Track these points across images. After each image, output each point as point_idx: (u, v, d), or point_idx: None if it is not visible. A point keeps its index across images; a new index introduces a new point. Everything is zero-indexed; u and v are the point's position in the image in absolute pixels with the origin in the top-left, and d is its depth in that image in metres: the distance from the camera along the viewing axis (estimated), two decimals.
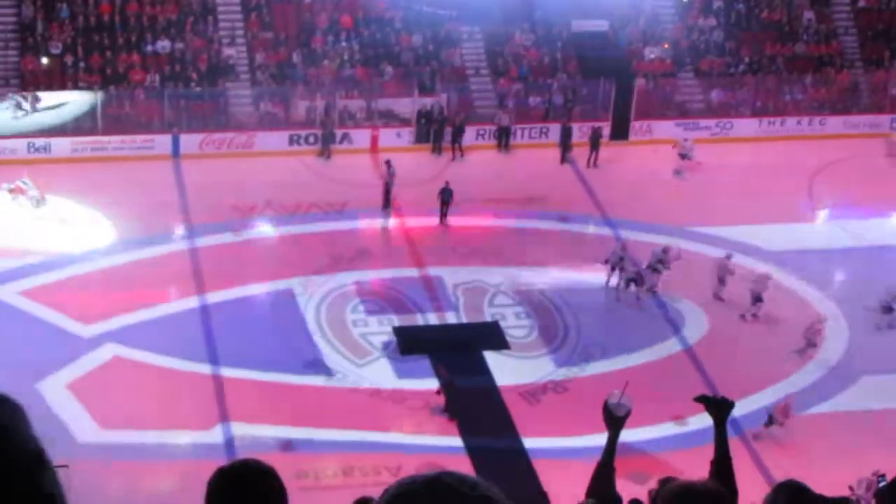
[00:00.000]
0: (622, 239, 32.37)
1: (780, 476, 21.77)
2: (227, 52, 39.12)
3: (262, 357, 27.67)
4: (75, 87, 37.36)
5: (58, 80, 37.57)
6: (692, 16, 42.90)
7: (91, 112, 36.99)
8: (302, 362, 27.80)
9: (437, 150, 38.24)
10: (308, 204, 34.39)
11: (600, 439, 5.85)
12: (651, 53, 41.87)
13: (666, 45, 42.20)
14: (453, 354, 28.31)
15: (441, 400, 26.39)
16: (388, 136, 38.28)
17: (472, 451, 25.34)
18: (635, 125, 39.99)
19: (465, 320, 30.02)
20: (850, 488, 22.08)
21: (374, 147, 37.79)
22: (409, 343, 28.72)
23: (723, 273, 30.66)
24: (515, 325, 29.85)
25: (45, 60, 37.87)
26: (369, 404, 26.67)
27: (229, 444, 24.91)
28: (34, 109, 36.56)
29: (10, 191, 33.02)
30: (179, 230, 32.88)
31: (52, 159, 35.56)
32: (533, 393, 27.41)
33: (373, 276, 31.50)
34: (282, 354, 27.93)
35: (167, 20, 38.99)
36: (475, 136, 38.70)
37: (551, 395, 27.44)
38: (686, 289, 30.85)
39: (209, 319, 29.07)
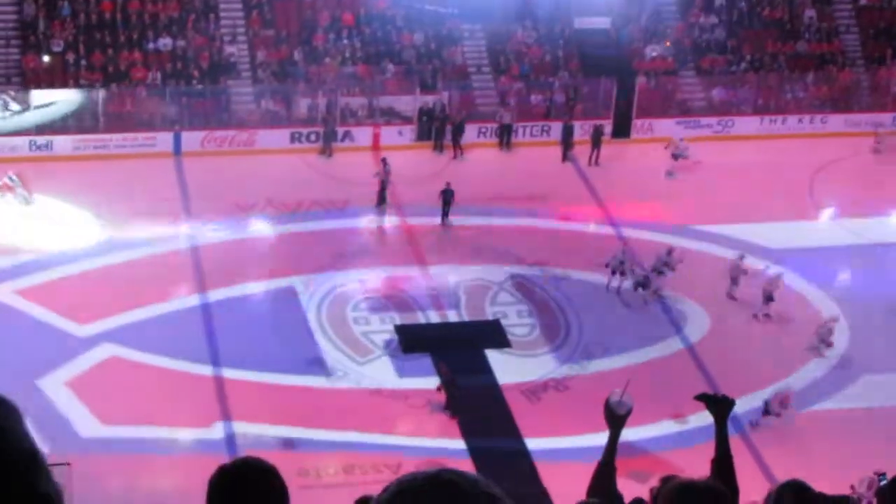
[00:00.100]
0: (624, 242, 32.23)
1: (781, 474, 21.81)
2: (229, 49, 39.12)
3: (263, 356, 27.67)
4: (77, 84, 37.36)
5: (59, 78, 37.57)
6: (694, 14, 42.88)
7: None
8: (303, 361, 27.81)
9: (438, 148, 38.25)
10: (309, 202, 34.40)
11: (601, 438, 5.85)
12: (653, 51, 41.85)
13: (668, 43, 42.19)
14: (455, 352, 28.30)
15: (442, 397, 26.40)
16: (389, 134, 38.28)
17: (473, 449, 25.35)
18: (637, 123, 40.00)
19: (466, 318, 30.03)
20: (852, 487, 22.08)
21: (375, 145, 37.78)
22: (411, 341, 28.73)
23: (736, 273, 30.65)
24: (517, 323, 29.85)
25: (46, 58, 37.86)
26: (370, 403, 26.68)
27: (230, 442, 24.91)
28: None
29: None
30: (180, 228, 32.87)
31: (54, 157, 35.58)
32: (534, 391, 27.42)
33: (374, 274, 31.50)
34: (283, 353, 27.93)
35: (169, 18, 38.99)
36: (477, 133, 38.71)
37: (552, 393, 27.45)
38: (687, 287, 30.84)
39: (210, 318, 29.07)
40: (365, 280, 31.18)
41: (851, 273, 33.36)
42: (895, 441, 24.96)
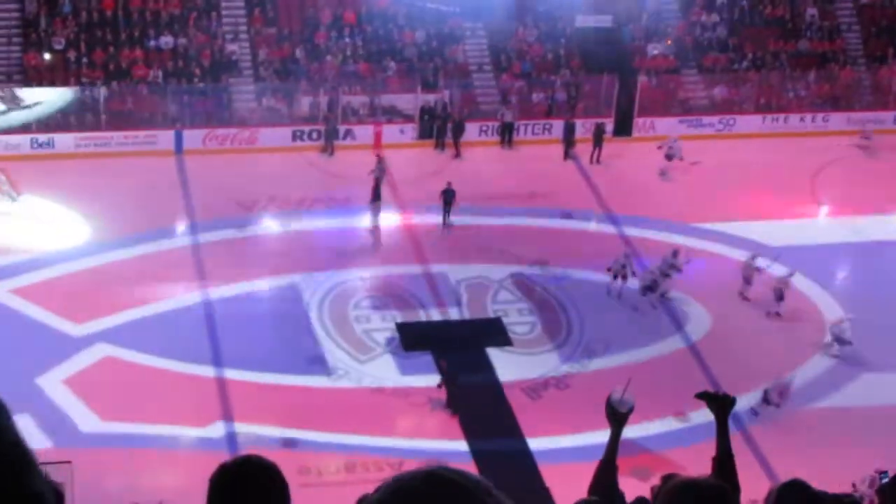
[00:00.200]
0: (626, 245, 32.10)
1: (781, 472, 21.84)
2: (231, 47, 39.12)
3: (264, 354, 27.67)
4: (78, 82, 37.37)
5: (61, 75, 37.58)
6: (695, 12, 42.88)
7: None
8: (304, 359, 27.80)
9: (440, 146, 38.25)
10: (311, 200, 34.41)
11: (602, 436, 5.85)
12: (654, 49, 41.85)
13: (669, 42, 42.19)
14: (456, 350, 28.29)
15: (442, 395, 26.40)
16: (391, 133, 38.28)
17: (474, 446, 25.34)
18: (638, 121, 40.00)
19: (467, 316, 30.02)
20: (853, 485, 22.08)
21: (377, 143, 37.76)
22: (412, 339, 28.73)
23: (748, 273, 30.63)
24: (518, 321, 29.85)
25: (47, 56, 37.87)
26: (372, 401, 26.67)
27: (231, 440, 24.92)
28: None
29: None
30: (182, 226, 32.88)
31: (55, 155, 35.59)
32: (535, 389, 27.42)
33: (376, 272, 31.50)
34: (284, 351, 27.92)
35: (170, 15, 38.99)
36: (478, 132, 38.71)
37: (553, 391, 27.45)
38: (688, 286, 30.82)
39: (210, 316, 29.07)
40: (366, 278, 31.18)
41: (851, 271, 33.36)
42: None
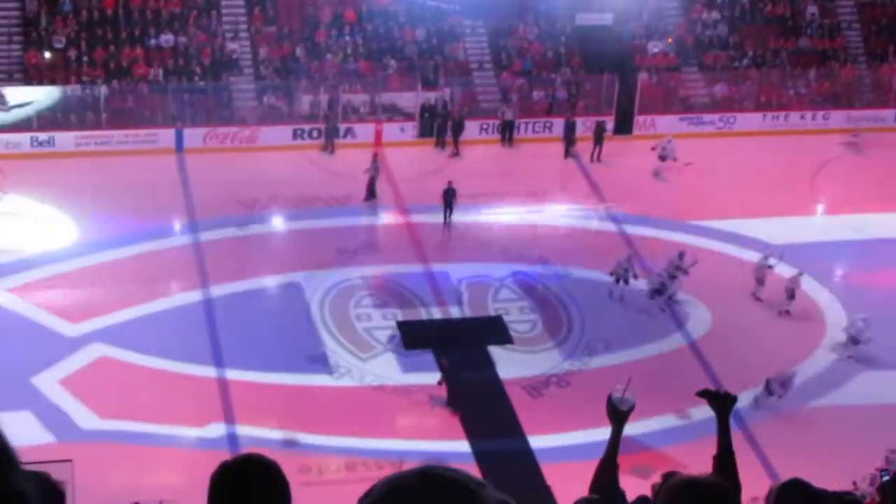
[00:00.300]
0: (628, 251, 31.97)
1: (782, 470, 21.84)
2: (231, 46, 39.12)
3: (265, 353, 27.66)
4: (79, 81, 37.36)
5: (61, 74, 37.58)
6: (696, 10, 42.87)
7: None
8: (305, 358, 27.79)
9: (440, 144, 38.25)
10: (311, 198, 34.41)
11: (603, 434, 5.85)
12: (655, 47, 41.85)
13: (669, 40, 42.18)
14: (457, 348, 28.29)
15: (443, 392, 26.39)
16: (391, 131, 38.29)
17: (475, 445, 25.34)
18: (639, 119, 40.00)
19: (468, 315, 30.01)
20: (854, 483, 22.09)
21: (377, 141, 37.78)
22: (413, 337, 28.73)
23: (761, 273, 30.60)
24: (519, 319, 29.85)
25: (48, 55, 37.87)
26: (373, 399, 26.67)
27: (231, 439, 24.91)
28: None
29: None
30: (182, 225, 32.88)
31: (56, 153, 35.60)
32: (536, 387, 27.42)
33: (376, 270, 31.49)
34: (285, 350, 27.90)
35: (170, 14, 38.99)
36: (479, 130, 38.71)
37: (554, 389, 27.45)
38: (689, 284, 30.80)
39: (211, 315, 29.06)
40: (367, 276, 31.18)
41: (852, 268, 33.35)
42: None
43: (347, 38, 40.00)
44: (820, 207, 36.27)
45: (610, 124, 39.20)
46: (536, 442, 25.41)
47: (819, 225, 35.17)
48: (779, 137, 39.63)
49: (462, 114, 38.35)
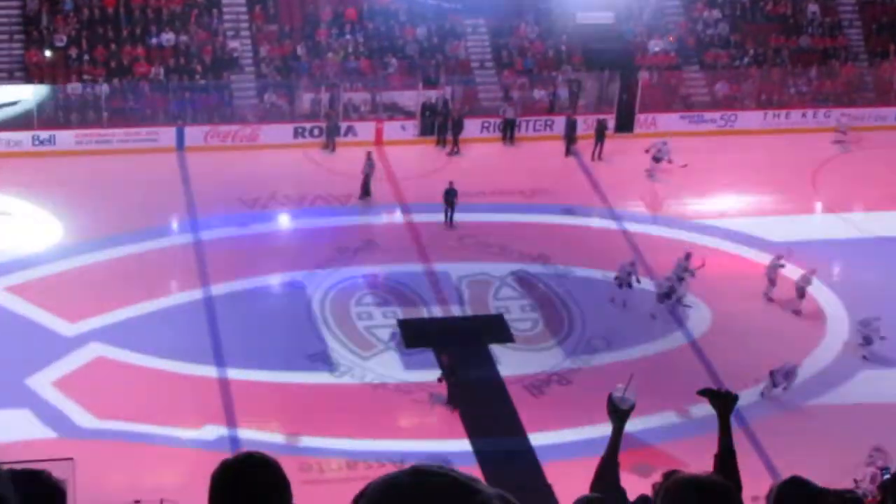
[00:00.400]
0: (632, 256, 31.84)
1: (784, 469, 21.82)
2: (232, 44, 39.11)
3: (266, 351, 27.66)
4: (80, 79, 37.36)
5: (62, 72, 37.58)
6: (697, 8, 42.85)
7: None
8: (306, 356, 27.80)
9: (441, 142, 38.25)
10: (312, 197, 34.41)
11: (604, 432, 5.85)
12: (656, 46, 41.83)
13: (671, 38, 42.16)
14: (458, 347, 28.29)
15: (443, 389, 26.39)
16: (392, 129, 38.29)
17: (476, 443, 25.35)
18: (640, 118, 39.98)
19: (469, 313, 30.01)
20: (855, 481, 22.09)
21: (378, 140, 37.78)
22: (414, 335, 28.73)
23: (773, 275, 30.56)
24: (520, 317, 29.84)
25: (49, 53, 37.86)
26: (374, 398, 26.67)
27: (232, 438, 24.91)
28: None
29: None
30: (183, 223, 32.88)
31: (57, 152, 35.61)
32: (537, 385, 27.42)
33: (377, 269, 31.49)
34: (286, 348, 27.91)
35: (171, 13, 38.99)
36: (480, 128, 38.71)
37: (555, 387, 27.45)
38: (693, 285, 30.79)
39: (212, 313, 29.07)
40: (368, 275, 31.17)
41: (853, 266, 33.33)
42: None
43: (348, 36, 39.99)
44: (820, 205, 36.25)
45: (611, 122, 39.18)
46: (537, 440, 25.42)
47: (819, 223, 35.15)
48: (780, 136, 39.62)
49: (462, 112, 38.33)
